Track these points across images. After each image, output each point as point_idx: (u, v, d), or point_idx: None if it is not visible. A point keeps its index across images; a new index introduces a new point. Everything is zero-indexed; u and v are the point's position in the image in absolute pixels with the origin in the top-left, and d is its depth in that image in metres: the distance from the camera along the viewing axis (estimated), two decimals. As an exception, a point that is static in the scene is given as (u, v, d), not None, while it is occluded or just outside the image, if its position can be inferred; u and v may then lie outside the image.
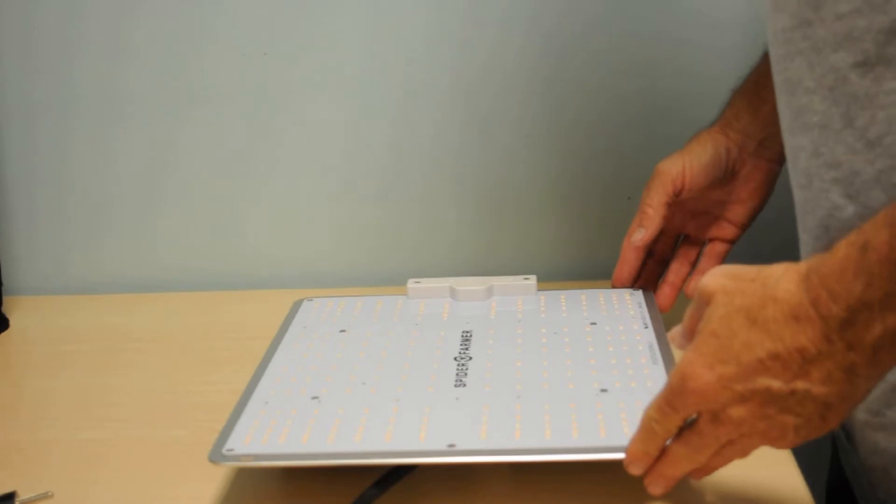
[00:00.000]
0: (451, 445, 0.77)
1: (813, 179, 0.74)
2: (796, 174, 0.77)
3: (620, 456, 0.75)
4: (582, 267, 1.22)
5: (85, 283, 1.26)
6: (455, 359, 0.91)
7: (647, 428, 0.72)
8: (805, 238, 0.78)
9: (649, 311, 0.99)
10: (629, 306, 1.01)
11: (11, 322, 1.18)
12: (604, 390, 0.84)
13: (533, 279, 1.05)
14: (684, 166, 1.00)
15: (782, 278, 0.65)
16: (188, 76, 1.19)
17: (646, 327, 0.96)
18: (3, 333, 1.16)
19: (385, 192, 1.23)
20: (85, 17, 1.18)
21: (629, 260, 1.04)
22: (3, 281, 1.20)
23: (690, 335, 0.72)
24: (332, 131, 1.21)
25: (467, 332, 0.97)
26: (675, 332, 0.75)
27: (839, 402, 0.65)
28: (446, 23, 1.16)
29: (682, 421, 0.70)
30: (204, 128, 1.21)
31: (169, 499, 0.84)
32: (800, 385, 0.64)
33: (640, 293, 1.03)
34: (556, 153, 1.20)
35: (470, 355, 0.92)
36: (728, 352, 0.66)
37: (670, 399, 0.69)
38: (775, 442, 0.68)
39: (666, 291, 1.04)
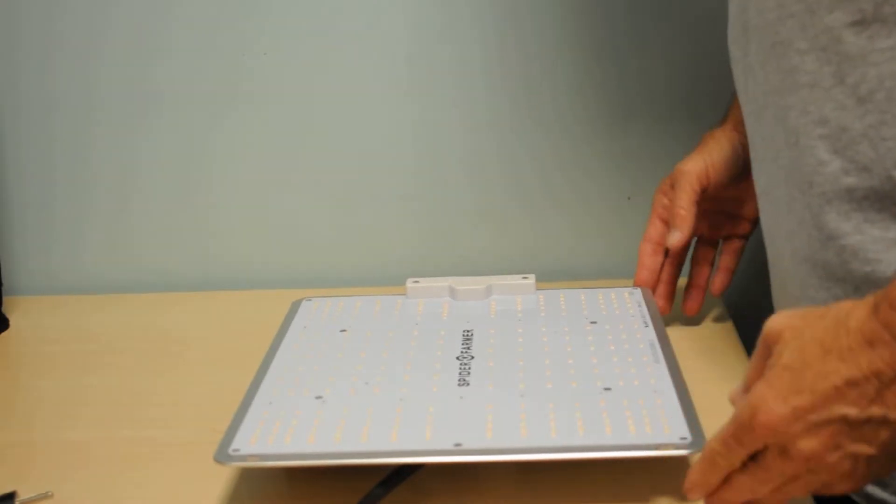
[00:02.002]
0: (457, 444, 0.77)
1: (801, 137, 0.77)
2: (785, 133, 0.79)
3: (629, 454, 0.75)
4: (580, 267, 1.22)
5: (85, 283, 1.26)
6: (457, 358, 0.91)
7: (710, 460, 0.70)
8: (793, 194, 0.79)
9: (649, 310, 0.99)
10: (628, 305, 1.01)
11: (11, 322, 1.17)
12: (607, 388, 0.84)
13: (532, 278, 1.06)
14: (706, 164, 1.01)
15: (853, 310, 0.65)
16: (188, 76, 1.19)
17: (646, 326, 0.96)
18: (3, 333, 1.16)
19: (383, 191, 1.23)
20: (65, 19, 1.17)
21: (649, 264, 1.04)
22: (3, 281, 1.20)
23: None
24: (331, 131, 1.21)
25: (468, 331, 0.97)
26: (736, 392, 0.73)
27: None
28: (445, 23, 1.17)
29: (748, 456, 0.68)
30: (204, 128, 1.21)
31: (169, 499, 0.84)
32: (876, 411, 0.64)
33: (639, 292, 1.04)
34: (555, 152, 1.20)
35: (472, 354, 0.92)
36: (802, 382, 0.65)
37: (738, 434, 0.68)
38: (842, 480, 0.67)
39: (693, 294, 1.05)
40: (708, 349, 1.01)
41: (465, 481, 0.82)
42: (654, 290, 1.04)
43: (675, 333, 0.95)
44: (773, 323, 0.69)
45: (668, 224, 1.03)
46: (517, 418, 0.80)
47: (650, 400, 0.81)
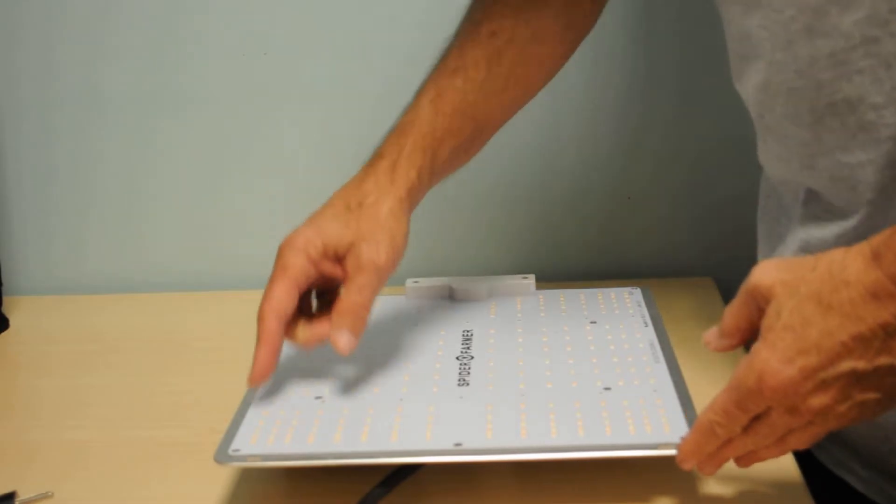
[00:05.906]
0: (457, 444, 0.77)
1: (887, 189, 0.74)
2: (857, 190, 0.76)
3: (629, 454, 0.75)
4: (579, 267, 1.22)
5: (85, 284, 1.26)
6: (457, 358, 0.91)
7: (706, 430, 0.71)
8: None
9: (649, 310, 0.99)
10: (628, 305, 1.01)
11: (11, 322, 1.18)
12: (607, 388, 0.84)
13: (531, 279, 1.05)
14: (390, 257, 0.88)
15: (848, 262, 0.65)
16: (188, 76, 1.19)
17: (646, 325, 0.96)
18: (3, 333, 1.16)
19: (383, 191, 1.23)
20: (72, 17, 1.17)
21: (277, 343, 0.86)
22: (3, 281, 1.20)
23: (735, 334, 0.71)
24: (331, 131, 1.21)
25: (468, 331, 0.97)
26: (711, 333, 0.74)
27: None
28: (447, 23, 1.16)
29: (749, 421, 0.69)
30: (204, 127, 1.21)
31: (169, 499, 0.84)
32: (883, 360, 0.64)
33: (638, 292, 1.03)
34: (555, 153, 1.20)
35: (472, 354, 0.92)
36: (806, 342, 0.65)
37: (742, 401, 0.68)
38: (850, 422, 0.67)
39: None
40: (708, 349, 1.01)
41: (465, 481, 0.82)
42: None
43: (675, 333, 0.94)
44: (762, 278, 0.69)
45: (305, 293, 0.89)
46: (517, 418, 0.80)
47: (650, 400, 0.81)
